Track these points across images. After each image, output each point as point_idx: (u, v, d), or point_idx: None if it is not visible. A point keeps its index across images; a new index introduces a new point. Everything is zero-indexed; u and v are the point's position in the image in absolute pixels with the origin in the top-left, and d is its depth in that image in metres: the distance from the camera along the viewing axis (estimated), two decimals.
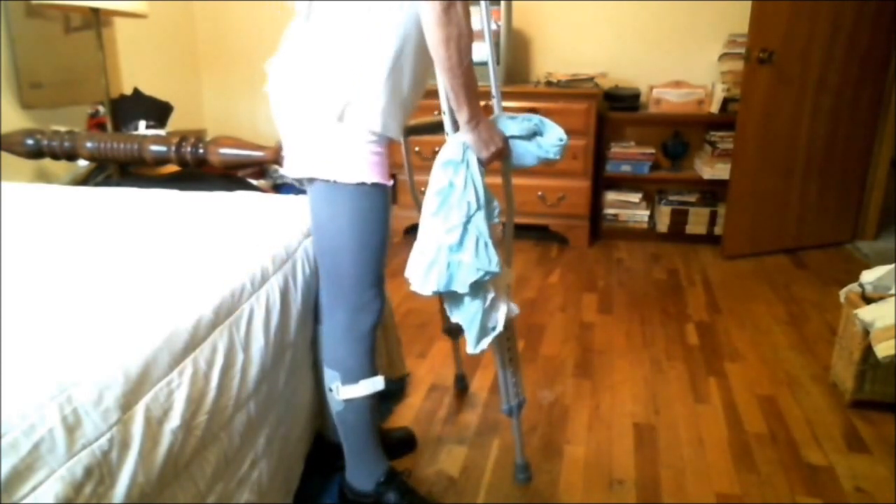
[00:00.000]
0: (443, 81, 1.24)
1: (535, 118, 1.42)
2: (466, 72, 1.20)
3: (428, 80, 1.36)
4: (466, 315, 1.39)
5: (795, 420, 1.92)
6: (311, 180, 1.30)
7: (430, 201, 1.31)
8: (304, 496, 1.55)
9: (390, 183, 1.31)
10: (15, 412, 0.83)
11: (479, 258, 1.29)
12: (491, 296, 1.38)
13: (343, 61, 1.21)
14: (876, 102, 3.24)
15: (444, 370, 2.17)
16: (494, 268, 1.31)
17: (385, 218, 1.33)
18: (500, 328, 1.41)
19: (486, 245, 1.30)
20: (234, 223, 1.57)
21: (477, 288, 1.34)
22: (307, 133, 1.26)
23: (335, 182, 1.26)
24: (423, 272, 1.32)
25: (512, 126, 1.40)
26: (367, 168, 1.25)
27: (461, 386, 2.07)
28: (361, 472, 1.51)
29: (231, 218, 1.61)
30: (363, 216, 1.29)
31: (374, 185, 1.27)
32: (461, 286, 1.31)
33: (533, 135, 1.41)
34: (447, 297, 1.40)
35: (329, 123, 1.23)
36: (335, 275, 1.36)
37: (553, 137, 1.41)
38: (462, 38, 1.15)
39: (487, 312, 1.38)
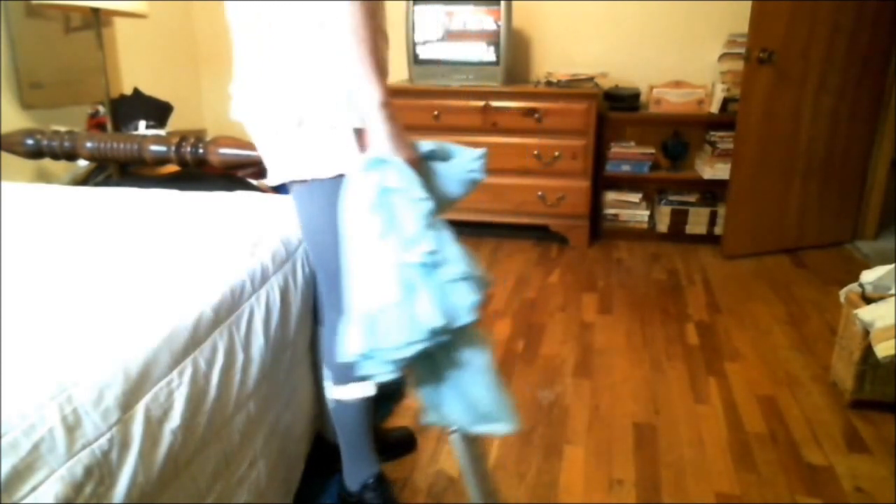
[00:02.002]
0: (346, 57, 1.10)
1: (440, 144, 1.20)
2: (374, 48, 1.09)
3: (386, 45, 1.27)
4: (480, 384, 1.01)
5: (795, 420, 1.92)
6: (292, 184, 1.29)
7: (362, 234, 1.04)
8: (304, 496, 1.55)
9: None
10: (15, 412, 0.83)
11: (466, 260, 1.03)
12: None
13: (293, 67, 1.18)
14: (876, 102, 3.24)
15: None
16: (479, 271, 1.05)
17: None
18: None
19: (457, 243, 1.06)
20: (234, 223, 1.57)
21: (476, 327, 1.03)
22: (277, 139, 1.25)
23: (312, 180, 1.25)
24: (405, 323, 0.98)
25: (423, 145, 1.17)
26: (341, 160, 1.22)
27: None
28: (350, 471, 1.51)
29: (231, 218, 1.61)
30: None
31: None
32: (471, 310, 1.01)
33: (446, 158, 1.19)
34: (425, 372, 1.05)
35: (294, 125, 1.21)
36: (327, 272, 1.36)
37: (471, 155, 1.19)
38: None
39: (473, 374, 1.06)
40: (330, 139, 1.23)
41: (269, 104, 1.22)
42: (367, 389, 1.42)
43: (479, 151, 1.18)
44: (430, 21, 3.23)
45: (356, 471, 1.50)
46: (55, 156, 2.22)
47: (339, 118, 1.21)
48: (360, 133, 1.24)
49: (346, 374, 1.39)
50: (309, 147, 1.23)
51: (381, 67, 1.12)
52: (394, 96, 1.13)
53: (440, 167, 1.15)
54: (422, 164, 1.14)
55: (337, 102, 1.20)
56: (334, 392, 1.41)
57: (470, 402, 1.05)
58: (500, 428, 1.07)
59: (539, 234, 3.54)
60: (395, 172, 1.06)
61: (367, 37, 1.09)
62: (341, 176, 1.24)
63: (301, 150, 1.24)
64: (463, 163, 1.18)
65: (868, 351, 1.88)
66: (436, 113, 3.29)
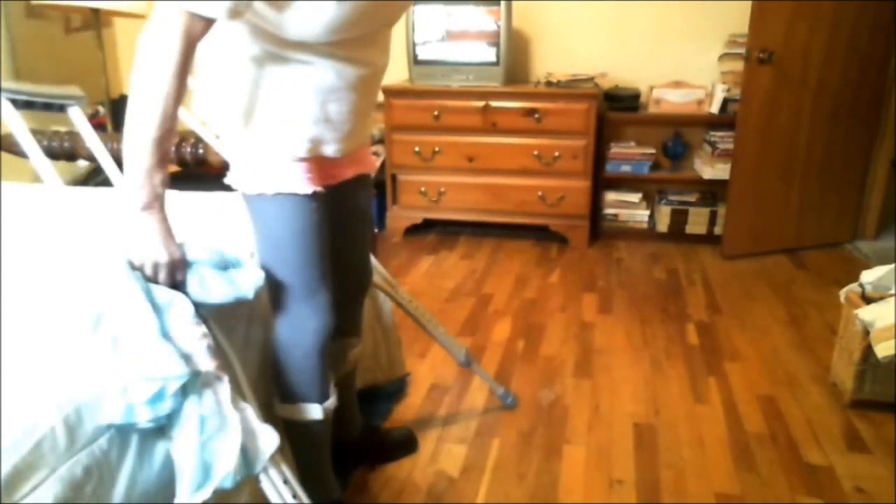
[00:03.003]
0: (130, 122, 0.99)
1: (220, 253, 1.13)
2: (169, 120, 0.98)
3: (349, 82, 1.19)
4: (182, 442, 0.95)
5: (795, 420, 1.92)
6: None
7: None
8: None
9: (303, 192, 1.20)
10: (16, 411, 0.83)
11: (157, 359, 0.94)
12: (209, 396, 0.99)
13: (210, 84, 1.19)
14: (876, 102, 3.24)
15: (445, 370, 2.17)
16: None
17: (304, 229, 1.22)
18: (230, 474, 0.97)
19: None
20: (233, 223, 1.57)
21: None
22: (226, 149, 1.25)
23: (244, 194, 1.23)
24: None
25: (195, 249, 1.09)
26: (269, 179, 1.19)
27: (510, 403, 1.99)
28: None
29: (231, 218, 1.61)
30: (274, 227, 1.22)
31: (281, 195, 1.19)
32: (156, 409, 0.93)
33: (225, 267, 1.12)
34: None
35: (233, 138, 1.21)
36: (270, 285, 1.26)
37: (248, 273, 1.14)
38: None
39: (212, 434, 0.97)
40: (267, 156, 1.19)
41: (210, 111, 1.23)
42: (313, 412, 1.32)
43: (258, 274, 1.14)
44: (430, 21, 3.23)
45: (311, 496, 1.43)
46: (55, 156, 2.22)
47: (250, 140, 1.19)
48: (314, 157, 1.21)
49: (294, 392, 1.32)
50: (248, 158, 1.21)
51: (164, 152, 1.00)
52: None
53: (213, 273, 1.10)
54: (184, 267, 1.08)
55: (238, 123, 1.18)
56: (281, 410, 1.33)
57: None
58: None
59: (539, 234, 3.54)
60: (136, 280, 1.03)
61: (153, 93, 0.95)
62: (263, 195, 1.19)
63: (241, 159, 1.22)
64: (239, 277, 1.12)
65: (868, 351, 1.88)
66: (436, 113, 3.29)
